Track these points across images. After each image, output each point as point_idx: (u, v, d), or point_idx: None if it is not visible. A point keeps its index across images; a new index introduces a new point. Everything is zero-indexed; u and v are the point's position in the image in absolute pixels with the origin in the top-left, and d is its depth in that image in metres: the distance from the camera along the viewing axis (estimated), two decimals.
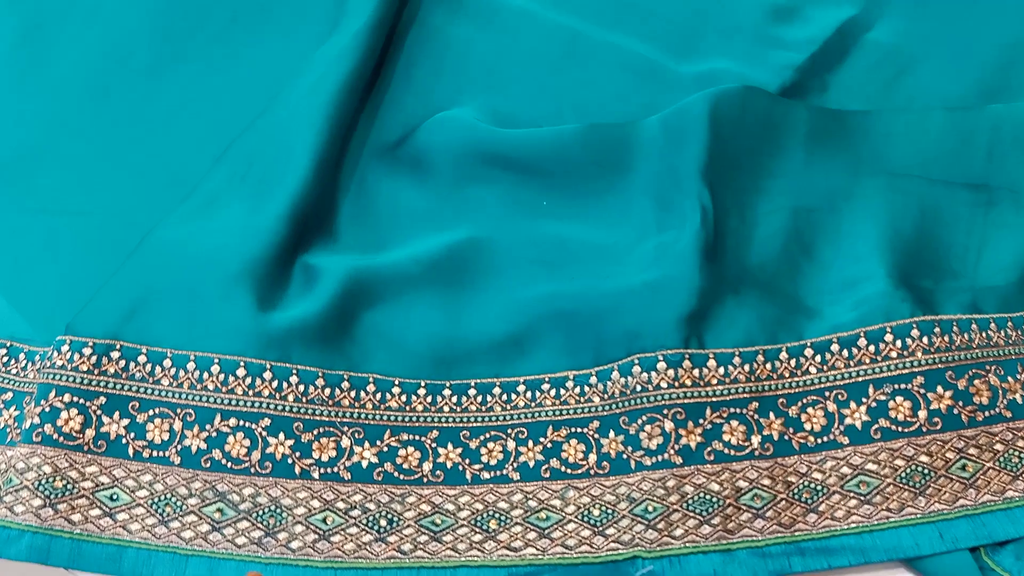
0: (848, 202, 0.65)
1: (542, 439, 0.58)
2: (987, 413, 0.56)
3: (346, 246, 0.65)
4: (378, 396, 0.59)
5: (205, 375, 0.57)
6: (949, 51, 0.74)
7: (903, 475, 0.55)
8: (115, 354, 0.58)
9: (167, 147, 0.69)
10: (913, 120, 0.68)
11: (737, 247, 0.63)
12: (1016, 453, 0.56)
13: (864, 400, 0.57)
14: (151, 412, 0.57)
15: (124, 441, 0.56)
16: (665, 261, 0.60)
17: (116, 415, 0.57)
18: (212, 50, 0.73)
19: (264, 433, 0.56)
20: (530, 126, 0.70)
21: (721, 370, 0.57)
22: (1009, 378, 0.57)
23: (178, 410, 0.57)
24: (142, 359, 0.58)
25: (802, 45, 0.73)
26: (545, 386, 0.59)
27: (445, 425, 0.59)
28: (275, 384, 0.57)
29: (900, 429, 0.56)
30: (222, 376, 0.57)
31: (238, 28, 0.74)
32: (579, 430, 0.57)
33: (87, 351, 0.57)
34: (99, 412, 0.56)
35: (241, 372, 0.57)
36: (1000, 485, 0.55)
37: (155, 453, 0.56)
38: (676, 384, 0.57)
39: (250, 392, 0.57)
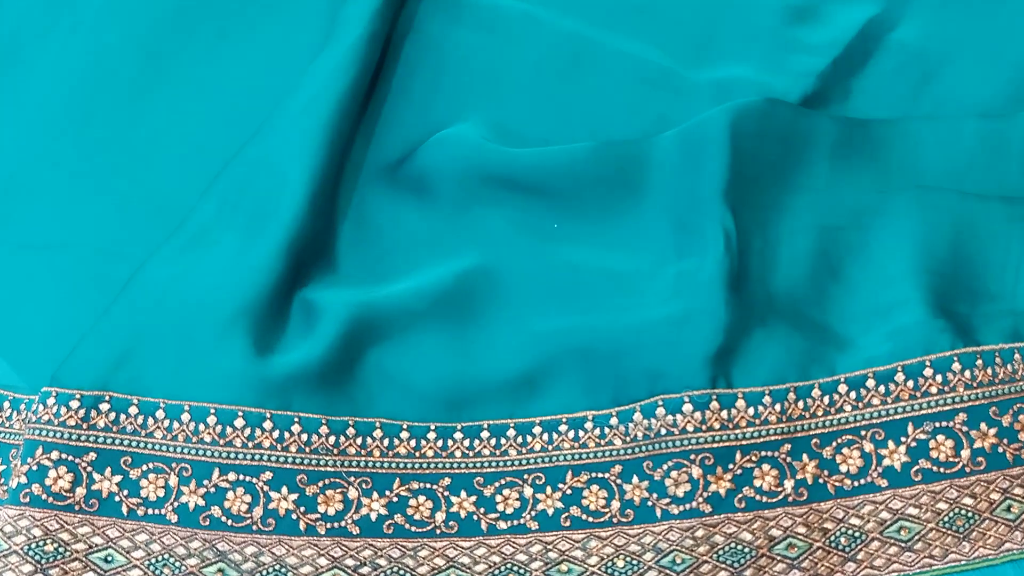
0: (877, 219, 0.63)
1: (561, 485, 0.55)
2: None
3: (347, 277, 0.62)
4: (386, 442, 0.56)
5: (201, 427, 0.55)
6: (979, 51, 0.71)
7: (946, 519, 0.53)
8: (104, 406, 0.55)
9: (153, 174, 0.66)
10: (944, 129, 0.65)
11: (762, 271, 0.60)
12: None
13: (903, 439, 0.54)
14: (145, 467, 0.54)
15: (117, 499, 0.54)
16: (687, 292, 0.58)
17: (108, 471, 0.54)
18: (199, 69, 0.70)
19: (266, 487, 0.54)
20: (536, 140, 0.67)
21: (751, 411, 0.55)
22: None
23: (173, 465, 0.54)
24: (133, 410, 0.55)
25: (823, 49, 0.70)
26: (563, 427, 0.57)
27: (458, 471, 0.56)
28: (276, 434, 0.55)
29: (942, 470, 0.54)
30: (219, 427, 0.55)
31: (226, 45, 0.71)
32: (600, 475, 0.55)
33: (74, 404, 0.55)
34: (90, 469, 0.54)
35: (239, 422, 0.55)
36: None
37: (150, 511, 0.54)
38: (703, 427, 0.54)
39: (250, 444, 0.54)
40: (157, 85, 0.69)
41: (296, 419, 0.55)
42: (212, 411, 0.55)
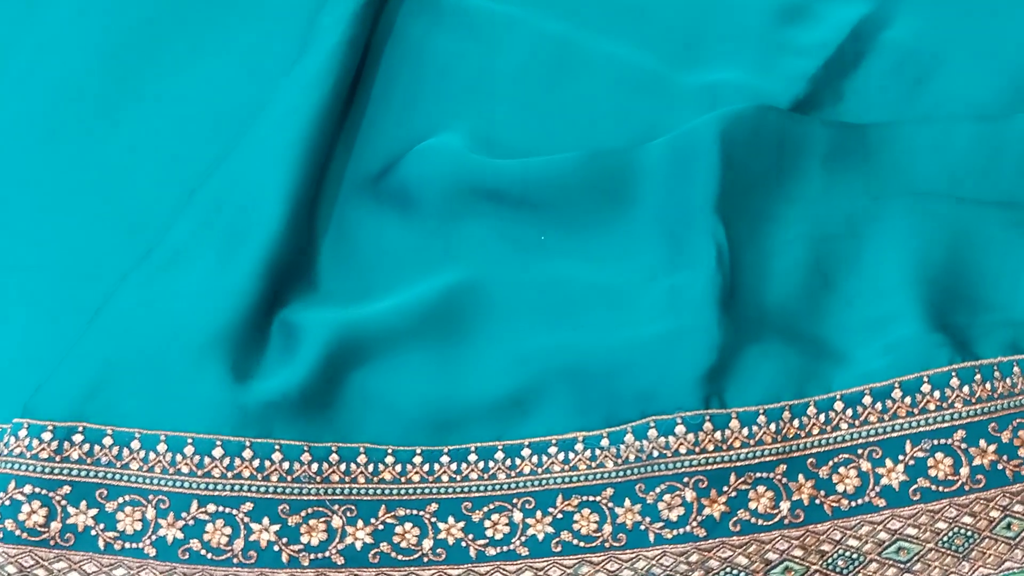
0: (871, 226, 0.62)
1: (551, 509, 0.54)
2: None
3: (328, 297, 0.61)
4: (370, 468, 0.55)
5: (178, 457, 0.54)
6: (973, 51, 0.70)
7: (945, 539, 0.52)
8: (78, 437, 0.54)
9: (127, 193, 0.65)
10: (938, 133, 0.65)
11: (755, 285, 0.59)
12: None
13: (901, 458, 0.54)
14: (121, 500, 0.53)
15: (93, 533, 0.53)
16: (679, 309, 0.57)
17: (83, 505, 0.53)
18: (173, 83, 0.69)
19: (246, 519, 0.53)
20: (522, 147, 0.66)
21: (745, 431, 0.54)
22: None
23: (150, 497, 0.53)
24: (108, 441, 0.54)
25: (814, 50, 0.69)
26: (552, 449, 0.56)
27: (445, 496, 0.55)
28: (256, 463, 0.54)
29: (941, 489, 0.53)
30: (197, 458, 0.54)
31: (200, 57, 0.70)
32: (592, 498, 0.54)
33: (47, 436, 0.54)
34: (64, 503, 0.53)
35: (218, 452, 0.54)
36: None
37: (128, 545, 0.53)
38: (697, 449, 0.54)
39: (229, 474, 0.53)
40: (129, 100, 0.68)
41: (277, 447, 0.54)
42: (189, 441, 0.54)
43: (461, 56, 0.70)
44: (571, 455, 0.56)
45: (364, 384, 0.57)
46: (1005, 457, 0.53)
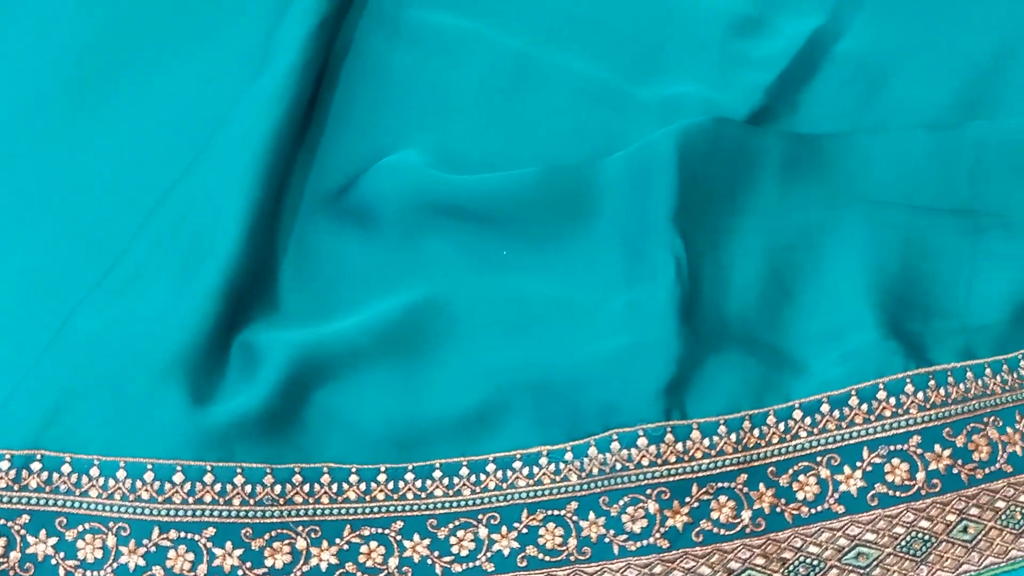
0: (828, 236, 0.63)
1: (516, 524, 0.55)
2: (988, 470, 0.55)
3: (289, 316, 0.61)
4: (334, 488, 0.56)
5: (138, 483, 0.54)
6: (925, 61, 0.72)
7: (903, 544, 0.54)
8: (36, 465, 0.54)
9: (83, 214, 0.65)
10: (893, 142, 0.66)
11: (714, 296, 0.61)
12: (1019, 509, 0.55)
13: (859, 464, 0.55)
14: (81, 528, 0.53)
15: (54, 562, 0.53)
16: (639, 323, 0.58)
17: (43, 534, 0.53)
18: (130, 102, 0.69)
19: (209, 544, 0.53)
20: (482, 162, 0.67)
21: (706, 442, 0.55)
22: (1008, 429, 0.56)
23: (111, 524, 0.53)
24: (66, 469, 0.54)
25: (770, 62, 0.71)
26: (517, 464, 0.57)
27: (410, 514, 0.56)
28: (218, 488, 0.54)
29: (898, 494, 0.54)
30: (157, 483, 0.54)
31: (158, 76, 0.70)
32: (556, 512, 0.55)
33: (4, 464, 0.54)
34: (23, 532, 0.53)
35: (178, 477, 0.54)
36: (1003, 545, 0.54)
37: (89, 573, 0.53)
38: (659, 461, 0.55)
39: (190, 499, 0.53)
40: (87, 121, 0.68)
41: (239, 470, 0.54)
42: (149, 466, 0.54)
43: (420, 72, 0.71)
44: (535, 469, 0.56)
45: (327, 403, 0.58)
46: (960, 461, 0.55)
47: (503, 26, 0.73)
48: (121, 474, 0.54)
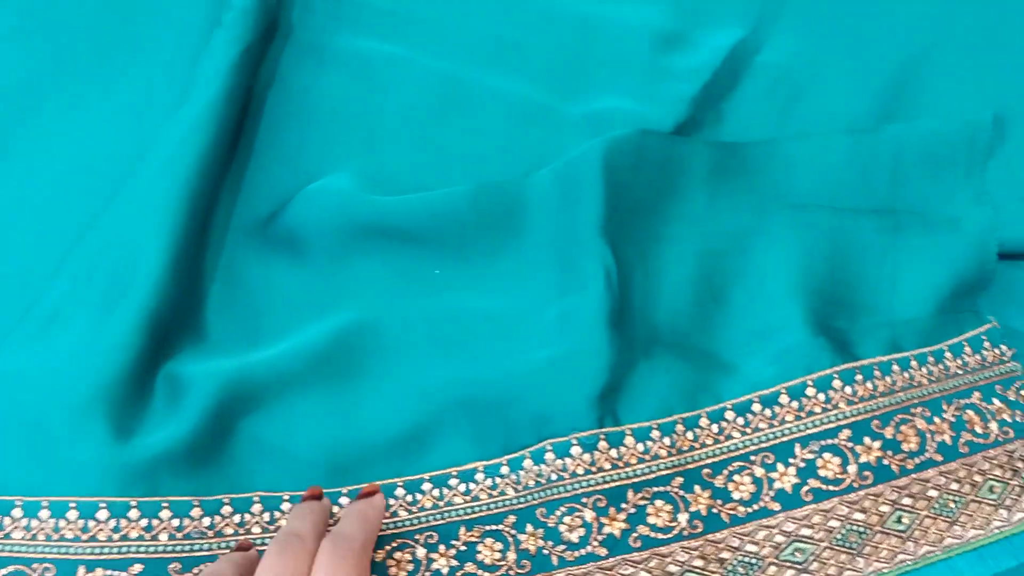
0: (756, 240, 0.65)
1: (454, 542, 0.55)
2: (917, 460, 0.56)
3: (216, 345, 0.61)
4: (266, 517, 0.55)
5: (62, 523, 0.53)
6: (842, 70, 0.74)
7: (838, 537, 0.54)
8: None
9: (9, 247, 0.64)
10: (815, 146, 0.68)
11: (644, 303, 0.61)
12: (951, 497, 0.55)
13: (792, 460, 0.56)
14: (4, 571, 0.52)
15: None
16: (570, 332, 0.59)
17: None
18: (47, 138, 0.68)
19: None
20: (412, 184, 0.67)
21: (640, 447, 0.56)
22: (936, 419, 0.57)
23: (35, 566, 0.52)
24: None
25: (693, 75, 0.73)
26: (453, 481, 0.57)
27: None
28: (144, 524, 0.53)
29: (831, 488, 0.55)
30: (81, 522, 0.53)
31: (77, 111, 0.69)
32: (494, 527, 0.55)
33: None
34: None
35: (103, 514, 0.53)
36: (937, 534, 0.55)
37: None
38: (594, 469, 0.55)
39: (115, 536, 0.52)
40: (16, 137, 0.67)
41: (165, 504, 0.54)
42: (73, 505, 0.53)
43: (347, 98, 0.72)
44: (472, 486, 0.56)
45: (256, 431, 0.57)
46: (890, 452, 0.56)
47: (430, 50, 0.74)
48: (44, 514, 0.53)
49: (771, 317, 0.61)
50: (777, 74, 0.74)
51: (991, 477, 0.57)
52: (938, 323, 0.61)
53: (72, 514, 0.53)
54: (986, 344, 0.61)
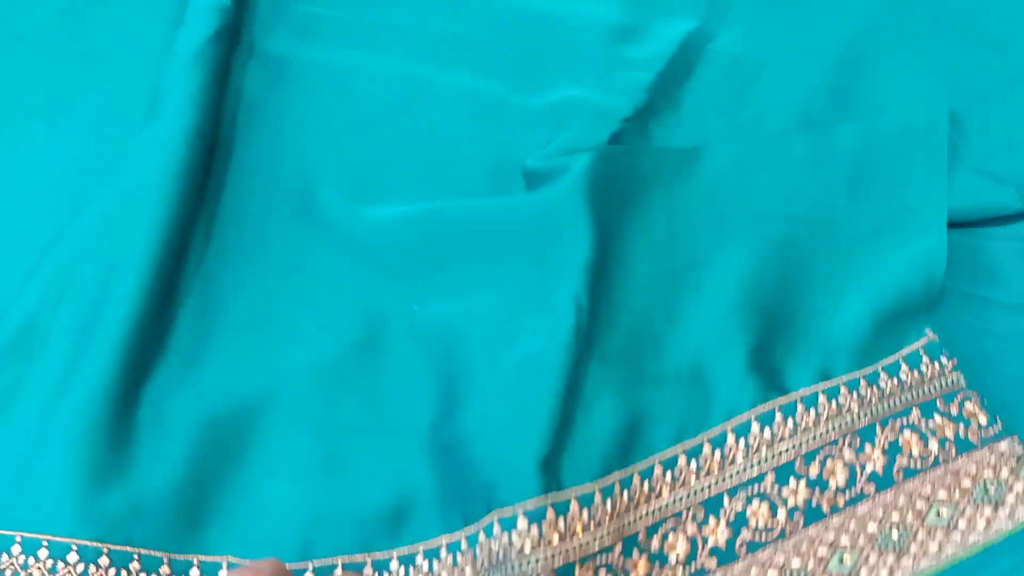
0: (713, 256, 0.65)
1: None
2: (848, 494, 0.55)
3: (201, 372, 0.62)
4: None
5: (31, 560, 0.53)
6: (792, 54, 0.75)
7: None
8: None
9: None
10: (772, 151, 0.68)
11: (601, 341, 0.61)
12: (892, 528, 0.54)
13: (722, 513, 0.56)
14: None
15: None
16: (526, 383, 0.58)
17: None
18: (17, 147, 0.70)
19: None
20: (382, 186, 0.70)
21: (585, 514, 0.56)
22: (867, 445, 0.57)
23: None
24: None
25: (648, 63, 0.74)
26: (419, 559, 0.58)
27: None
28: (112, 572, 0.54)
29: (764, 537, 0.56)
30: (50, 562, 0.53)
31: (42, 120, 0.71)
32: None
33: None
34: None
35: (73, 557, 0.53)
36: (886, 570, 0.54)
37: None
38: (540, 544, 0.55)
39: None
40: None
41: (136, 556, 0.54)
42: (44, 543, 0.53)
43: (313, 111, 0.75)
44: (435, 563, 0.57)
45: (235, 489, 0.58)
46: (817, 491, 0.55)
47: (388, 54, 0.77)
48: (16, 549, 0.54)
49: (704, 350, 0.60)
50: (730, 61, 0.75)
51: (936, 501, 0.55)
52: (874, 342, 0.60)
53: (43, 552, 0.53)
54: (924, 359, 0.59)
